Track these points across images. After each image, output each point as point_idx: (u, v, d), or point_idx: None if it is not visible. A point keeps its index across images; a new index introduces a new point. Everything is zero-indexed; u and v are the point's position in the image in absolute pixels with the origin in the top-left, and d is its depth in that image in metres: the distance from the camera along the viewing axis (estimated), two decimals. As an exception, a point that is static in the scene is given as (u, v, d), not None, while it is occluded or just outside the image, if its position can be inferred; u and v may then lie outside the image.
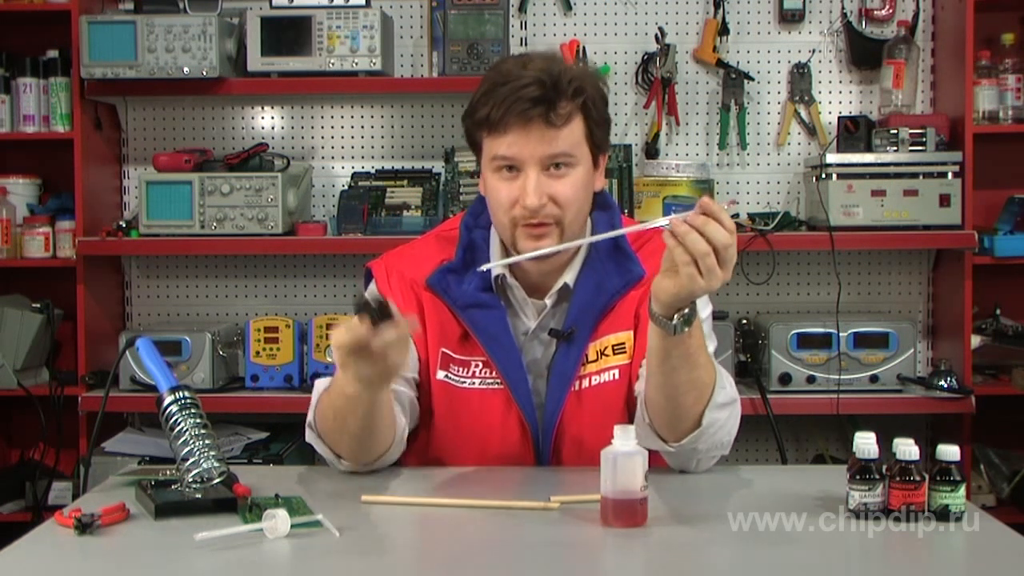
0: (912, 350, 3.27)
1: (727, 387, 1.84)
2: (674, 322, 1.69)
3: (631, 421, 1.92)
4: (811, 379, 3.26)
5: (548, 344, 1.97)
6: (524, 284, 1.98)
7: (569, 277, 1.96)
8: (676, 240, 1.63)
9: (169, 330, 3.40)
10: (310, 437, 1.94)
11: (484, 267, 1.85)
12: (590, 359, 1.95)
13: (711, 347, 1.96)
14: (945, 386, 3.21)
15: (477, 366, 1.95)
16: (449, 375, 1.96)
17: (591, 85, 1.90)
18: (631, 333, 1.95)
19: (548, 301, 1.97)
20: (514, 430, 1.94)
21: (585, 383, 1.94)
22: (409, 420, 1.95)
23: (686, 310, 1.69)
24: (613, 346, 1.95)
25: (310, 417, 1.91)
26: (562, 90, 1.84)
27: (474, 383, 1.95)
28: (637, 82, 3.61)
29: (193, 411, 1.73)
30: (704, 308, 1.98)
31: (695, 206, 1.64)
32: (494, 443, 1.95)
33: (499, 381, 1.94)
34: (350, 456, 1.87)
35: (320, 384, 1.93)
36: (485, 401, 1.94)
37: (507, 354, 1.93)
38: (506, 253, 1.98)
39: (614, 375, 1.95)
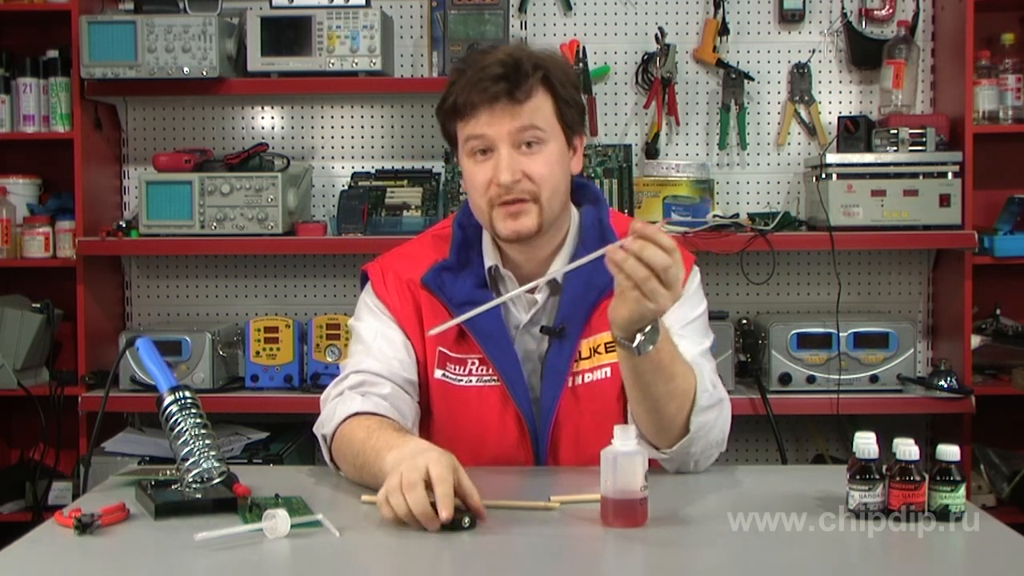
0: (912, 350, 3.27)
1: (710, 388, 1.84)
2: (636, 344, 1.69)
3: (626, 419, 1.93)
4: (811, 379, 3.26)
5: (541, 339, 1.98)
6: (516, 275, 1.99)
7: (556, 270, 1.97)
8: (616, 267, 1.63)
9: (169, 330, 3.40)
10: (321, 445, 1.94)
11: (431, 332, 1.83)
12: (583, 356, 1.95)
13: (706, 344, 1.98)
14: (945, 386, 3.21)
15: (474, 364, 1.96)
16: (447, 374, 1.97)
17: (555, 65, 1.92)
18: None
19: (539, 296, 1.98)
20: (511, 426, 1.95)
21: (579, 380, 1.95)
22: (412, 426, 1.95)
23: (648, 328, 1.69)
24: (606, 344, 1.95)
25: (327, 430, 1.90)
26: (524, 69, 1.87)
27: (471, 381, 1.96)
28: (637, 82, 3.61)
29: (193, 411, 1.73)
30: (698, 306, 2.00)
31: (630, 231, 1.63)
32: (492, 439, 1.95)
33: (496, 378, 1.94)
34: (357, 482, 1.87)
35: (340, 408, 1.89)
36: (482, 398, 1.94)
37: (503, 351, 1.94)
38: (497, 247, 1.99)
39: (607, 373, 1.95)
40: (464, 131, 1.91)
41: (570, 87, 1.94)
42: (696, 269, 2.04)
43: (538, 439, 1.95)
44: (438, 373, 1.97)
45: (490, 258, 1.99)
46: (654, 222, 1.97)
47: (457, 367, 1.96)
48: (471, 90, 1.86)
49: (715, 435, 1.87)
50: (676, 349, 1.79)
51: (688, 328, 1.96)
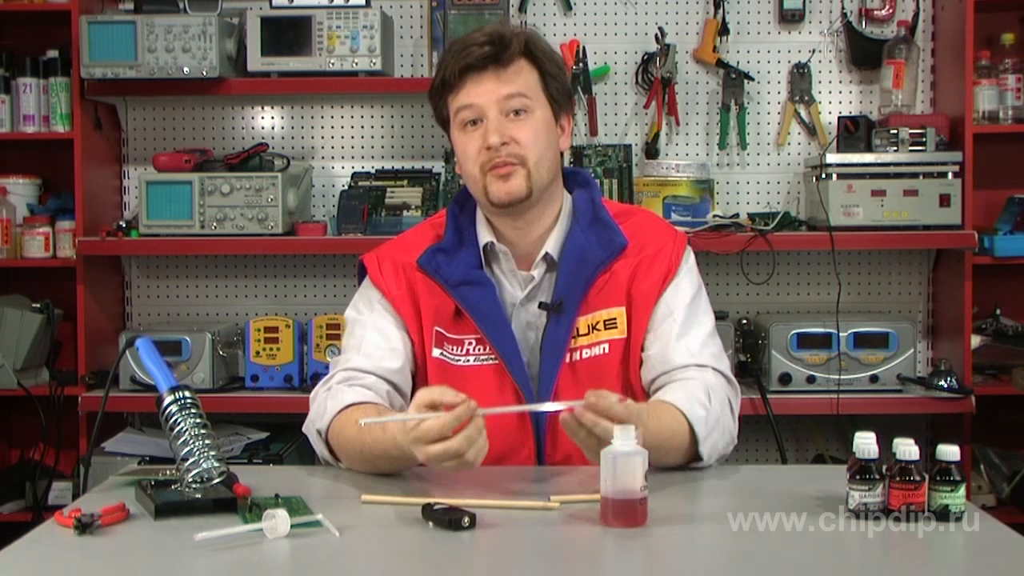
0: (912, 350, 3.27)
1: (703, 412, 1.86)
2: None
3: (626, 393, 1.94)
4: (811, 379, 3.26)
5: (539, 314, 2.00)
6: (511, 253, 2.02)
7: (550, 246, 2.00)
8: (570, 433, 1.67)
9: (169, 330, 3.40)
10: (314, 440, 1.97)
11: (361, 422, 1.82)
12: (581, 332, 1.97)
13: (708, 324, 2.02)
14: (945, 386, 3.21)
15: (471, 343, 1.98)
16: (444, 353, 1.99)
17: (537, 39, 1.99)
18: (623, 309, 1.98)
19: (535, 273, 2.00)
20: (510, 403, 1.95)
21: (577, 356, 1.97)
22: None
23: None
24: (605, 321, 1.98)
25: (321, 425, 1.92)
26: (507, 39, 1.94)
27: (469, 360, 1.98)
28: (637, 82, 3.61)
29: (193, 411, 1.73)
30: (693, 285, 2.03)
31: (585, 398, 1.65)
32: (490, 418, 1.94)
33: (493, 356, 1.96)
34: (358, 469, 1.91)
35: (331, 403, 1.93)
36: (480, 377, 1.96)
37: (499, 330, 1.96)
38: (492, 227, 2.02)
39: (605, 349, 1.97)
40: (454, 104, 1.96)
41: (554, 64, 2.00)
42: (689, 249, 2.06)
43: (537, 417, 1.96)
44: (436, 352, 1.99)
45: (485, 235, 2.01)
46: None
47: (455, 347, 1.99)
48: (456, 60, 1.94)
49: (725, 443, 1.93)
50: (656, 416, 1.79)
51: (690, 311, 1.99)
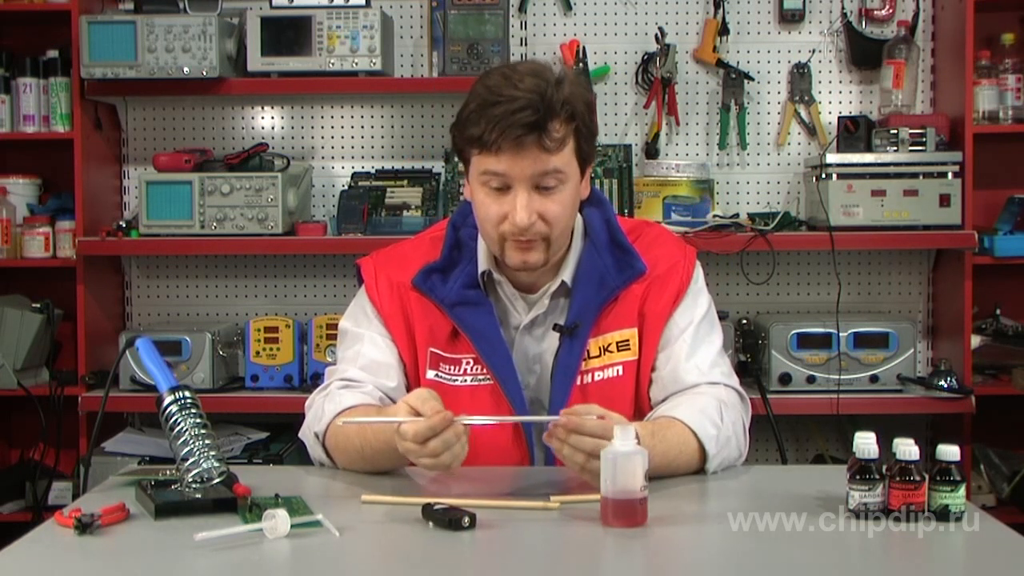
0: (912, 350, 3.27)
1: (714, 431, 1.86)
2: None
3: (638, 416, 1.95)
4: (811, 379, 3.26)
5: (542, 339, 1.99)
6: (512, 282, 2.00)
7: (566, 275, 1.98)
8: (556, 449, 1.69)
9: (169, 330, 3.40)
10: (311, 444, 1.97)
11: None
12: (592, 355, 1.96)
13: (716, 341, 2.01)
14: (945, 386, 3.21)
15: (468, 363, 1.97)
16: (440, 374, 1.98)
17: (581, 102, 1.88)
18: (635, 330, 1.97)
19: (545, 298, 1.98)
20: (506, 424, 1.94)
21: (588, 378, 1.96)
22: None
23: None
24: (617, 343, 1.97)
25: (318, 428, 1.93)
26: (555, 114, 1.83)
27: (465, 380, 1.97)
28: (637, 82, 3.61)
29: (193, 411, 1.73)
30: (702, 304, 2.02)
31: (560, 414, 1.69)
32: (487, 438, 1.95)
33: (489, 377, 1.95)
34: (356, 469, 1.92)
35: (329, 406, 1.94)
36: (476, 397, 1.95)
37: (495, 350, 1.95)
38: (492, 255, 1.99)
39: (618, 371, 1.96)
40: (482, 163, 1.87)
41: (590, 119, 1.91)
42: (698, 266, 2.05)
43: (533, 436, 1.95)
44: (430, 374, 1.98)
45: (484, 262, 1.99)
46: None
47: (451, 367, 1.98)
48: (499, 132, 1.81)
49: (733, 458, 1.92)
50: (660, 437, 1.80)
51: (699, 330, 1.99)
